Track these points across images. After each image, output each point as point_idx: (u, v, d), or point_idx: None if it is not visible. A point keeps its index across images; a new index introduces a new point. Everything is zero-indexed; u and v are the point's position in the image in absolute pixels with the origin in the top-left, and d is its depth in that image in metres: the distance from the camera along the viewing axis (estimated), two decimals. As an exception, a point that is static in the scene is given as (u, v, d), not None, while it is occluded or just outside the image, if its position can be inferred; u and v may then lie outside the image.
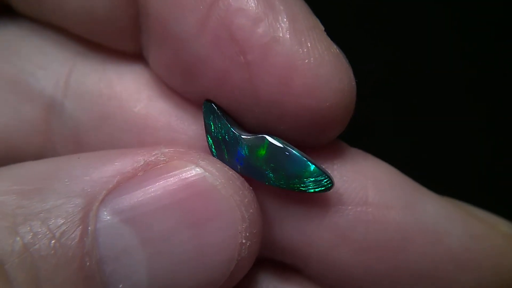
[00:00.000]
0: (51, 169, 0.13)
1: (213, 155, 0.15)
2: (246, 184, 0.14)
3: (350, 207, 0.15)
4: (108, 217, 0.13)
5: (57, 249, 0.12)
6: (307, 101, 0.14)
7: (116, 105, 0.17)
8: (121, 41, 0.17)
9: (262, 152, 0.14)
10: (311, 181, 0.14)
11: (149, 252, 0.13)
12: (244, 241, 0.13)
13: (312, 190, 0.14)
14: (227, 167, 0.14)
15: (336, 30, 0.15)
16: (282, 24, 0.13)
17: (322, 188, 0.14)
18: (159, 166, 0.13)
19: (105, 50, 0.17)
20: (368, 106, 0.20)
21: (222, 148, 0.15)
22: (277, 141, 0.14)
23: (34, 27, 0.18)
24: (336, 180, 0.15)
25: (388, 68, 0.29)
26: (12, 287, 0.11)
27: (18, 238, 0.12)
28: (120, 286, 0.12)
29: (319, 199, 0.15)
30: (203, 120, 0.15)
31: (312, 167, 0.14)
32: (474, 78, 0.29)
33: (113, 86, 0.17)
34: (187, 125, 0.16)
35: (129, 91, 0.17)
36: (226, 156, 0.15)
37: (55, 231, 0.12)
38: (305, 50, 0.13)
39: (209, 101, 0.15)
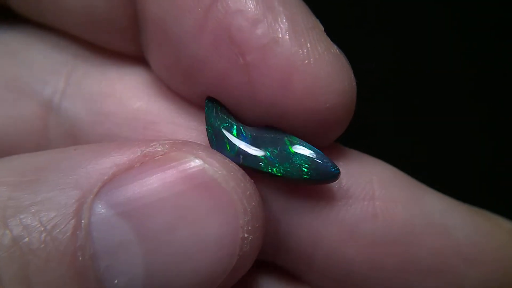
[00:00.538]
0: (45, 161, 0.13)
1: (214, 147, 0.15)
2: (248, 176, 0.14)
3: (357, 201, 0.15)
4: (103, 210, 0.12)
5: (47, 243, 0.11)
6: (307, 102, 0.14)
7: (116, 102, 0.17)
8: (121, 42, 0.17)
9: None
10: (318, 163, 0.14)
11: (146, 247, 0.12)
12: (246, 235, 0.13)
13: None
14: (228, 159, 0.14)
15: (336, 30, 0.15)
16: (282, 25, 0.13)
17: (328, 177, 0.14)
18: (157, 157, 0.13)
19: (106, 53, 0.17)
20: (369, 106, 0.20)
21: (224, 141, 0.15)
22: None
23: (34, 30, 0.18)
24: (341, 175, 0.14)
25: (388, 68, 0.29)
26: (1, 282, 0.11)
27: (7, 231, 0.11)
28: (116, 282, 0.12)
29: (325, 193, 0.15)
30: (204, 117, 0.15)
31: (320, 152, 0.14)
32: (474, 78, 0.29)
33: (113, 84, 0.17)
34: (188, 121, 0.16)
35: (129, 90, 0.17)
36: (228, 147, 0.14)
37: (46, 224, 0.11)
38: (305, 51, 0.13)
39: (211, 98, 0.15)
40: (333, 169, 0.14)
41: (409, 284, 0.15)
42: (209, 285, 0.13)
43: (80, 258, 0.12)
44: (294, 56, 0.13)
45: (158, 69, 0.16)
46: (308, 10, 0.14)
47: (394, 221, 0.15)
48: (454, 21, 0.30)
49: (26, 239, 0.11)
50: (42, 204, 0.12)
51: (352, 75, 0.14)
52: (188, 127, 0.16)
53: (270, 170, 0.14)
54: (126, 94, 0.17)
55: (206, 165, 0.13)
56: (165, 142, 0.13)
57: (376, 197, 0.15)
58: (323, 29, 0.14)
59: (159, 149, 0.13)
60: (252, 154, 0.14)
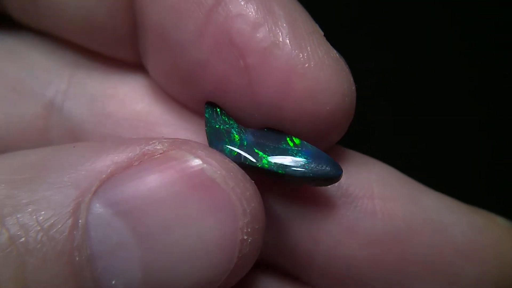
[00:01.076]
0: (44, 158, 0.13)
1: (213, 148, 0.15)
2: (248, 177, 0.13)
3: (356, 199, 0.15)
4: (100, 210, 0.12)
5: (44, 243, 0.11)
6: (307, 105, 0.14)
7: (118, 103, 0.17)
8: (120, 49, 0.17)
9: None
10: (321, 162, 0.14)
11: (144, 247, 0.12)
12: (245, 237, 0.13)
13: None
14: (228, 159, 0.13)
15: (335, 30, 0.15)
16: (282, 29, 0.13)
17: (331, 176, 0.14)
18: (156, 155, 0.13)
19: (106, 60, 0.17)
20: (368, 106, 0.20)
21: (224, 140, 0.14)
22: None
23: (34, 38, 0.18)
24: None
25: (388, 68, 0.29)
26: None
27: (4, 230, 0.11)
28: (113, 282, 0.12)
29: (324, 193, 0.15)
30: (204, 120, 0.15)
31: (322, 152, 0.14)
32: (474, 78, 0.29)
33: (115, 86, 0.17)
34: (190, 123, 0.16)
35: (131, 92, 0.17)
36: (228, 147, 0.14)
37: (43, 224, 0.11)
38: (305, 54, 0.13)
39: (210, 102, 0.15)
40: (336, 169, 0.14)
41: (407, 281, 0.15)
42: (208, 286, 0.13)
43: (77, 258, 0.11)
44: (295, 60, 0.13)
45: (156, 75, 0.16)
46: (308, 15, 0.14)
47: (393, 218, 0.15)
48: (454, 21, 0.30)
49: (23, 239, 0.11)
50: (39, 203, 0.12)
51: (352, 78, 0.14)
52: (190, 129, 0.16)
53: (271, 170, 0.14)
54: (129, 96, 0.17)
55: (205, 164, 0.13)
56: (165, 140, 0.13)
57: (375, 195, 0.15)
58: (322, 34, 0.14)
59: (158, 148, 0.13)
60: (253, 153, 0.14)
